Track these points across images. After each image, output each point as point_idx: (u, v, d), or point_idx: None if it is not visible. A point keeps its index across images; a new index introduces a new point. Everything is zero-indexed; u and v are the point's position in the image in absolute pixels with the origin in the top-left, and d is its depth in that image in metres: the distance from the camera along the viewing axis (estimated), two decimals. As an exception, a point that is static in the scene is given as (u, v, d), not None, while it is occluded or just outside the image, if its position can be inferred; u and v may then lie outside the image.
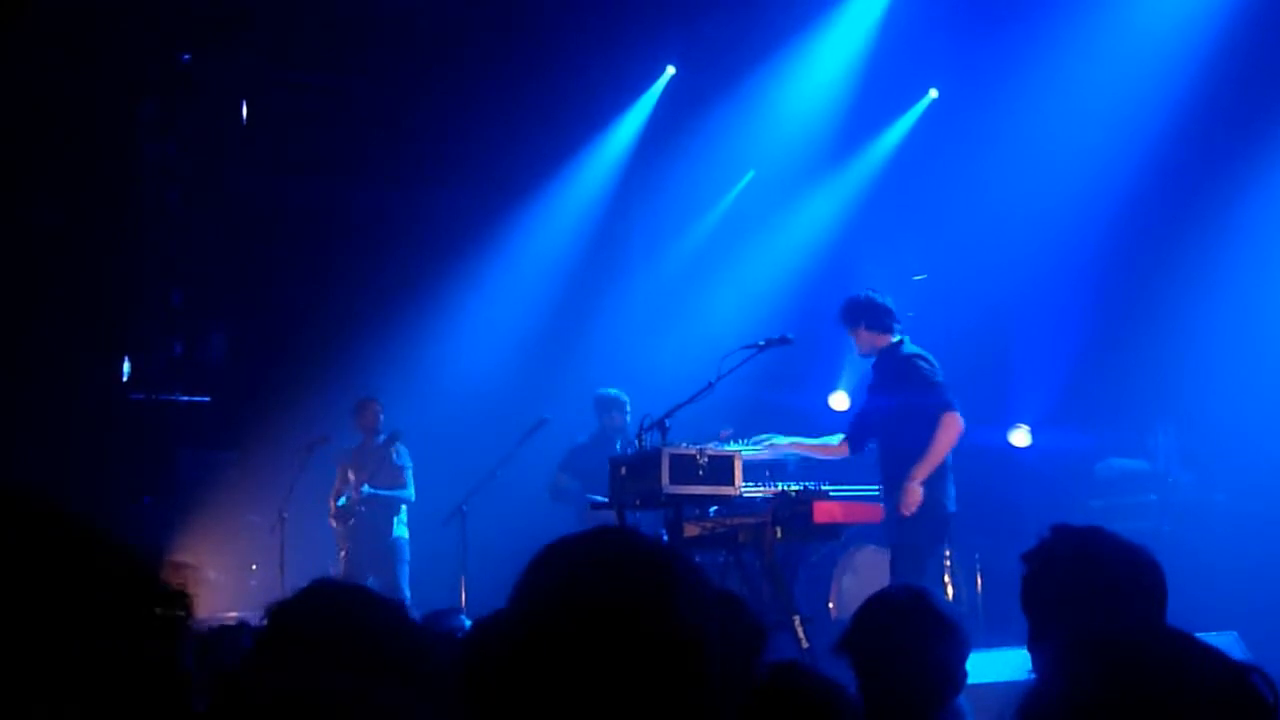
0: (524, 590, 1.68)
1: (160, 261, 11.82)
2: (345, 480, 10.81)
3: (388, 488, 10.69)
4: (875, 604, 3.43)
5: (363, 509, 10.61)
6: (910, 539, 7.36)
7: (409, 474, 10.76)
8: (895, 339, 7.72)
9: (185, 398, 11.96)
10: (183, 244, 11.86)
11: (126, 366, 11.59)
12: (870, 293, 7.84)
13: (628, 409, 10.43)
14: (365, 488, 10.62)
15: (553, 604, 1.62)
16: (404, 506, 10.79)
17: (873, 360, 7.80)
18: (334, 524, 10.79)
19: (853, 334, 7.78)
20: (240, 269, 12.26)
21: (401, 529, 10.74)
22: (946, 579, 9.21)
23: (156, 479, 11.57)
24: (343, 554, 10.72)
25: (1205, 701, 1.47)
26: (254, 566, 11.25)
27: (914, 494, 7.27)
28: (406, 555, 10.70)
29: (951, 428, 7.42)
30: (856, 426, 7.91)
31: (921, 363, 7.56)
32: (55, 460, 10.73)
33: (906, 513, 7.29)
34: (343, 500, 10.70)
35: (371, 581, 10.20)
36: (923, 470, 7.32)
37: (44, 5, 10.09)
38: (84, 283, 11.12)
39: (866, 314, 7.72)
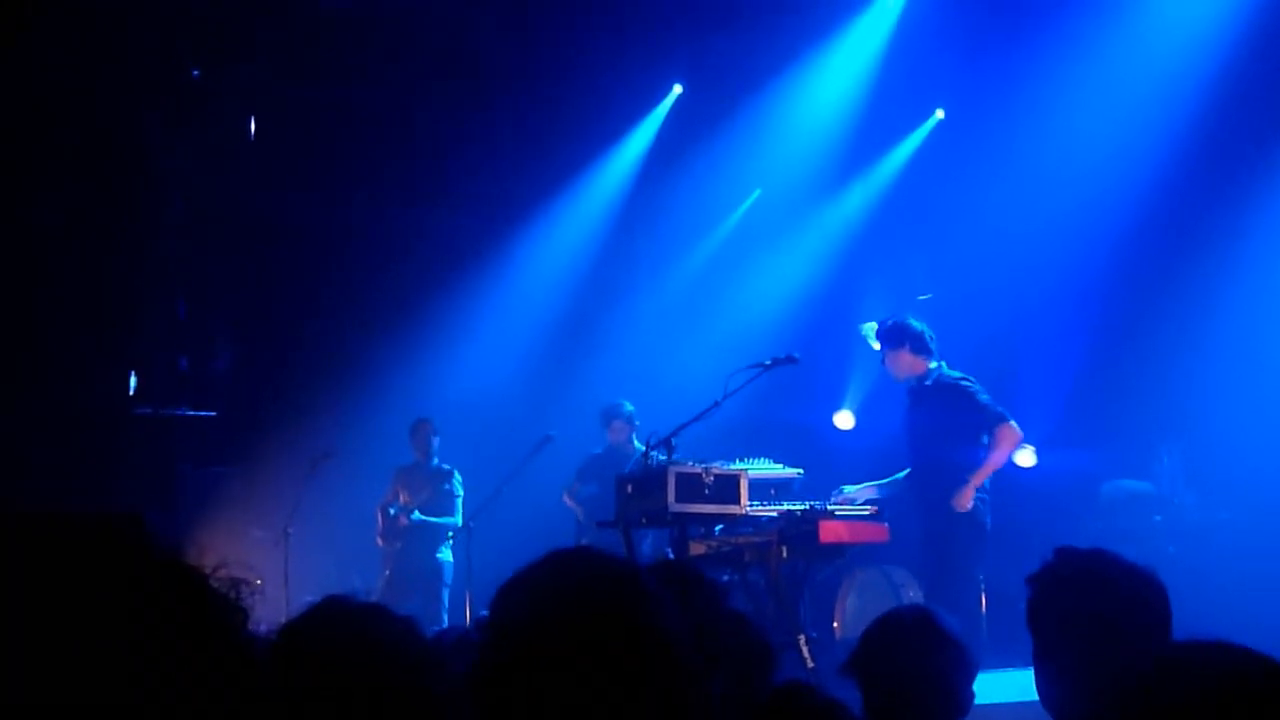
0: (490, 623, 1.73)
1: (166, 276, 11.85)
2: (395, 496, 10.90)
3: (437, 513, 10.74)
4: (882, 624, 3.43)
5: (405, 537, 10.65)
6: (948, 554, 7.48)
7: (459, 502, 10.82)
8: (933, 364, 7.92)
9: (190, 412, 11.97)
10: (189, 259, 11.89)
11: (133, 381, 11.60)
12: (912, 318, 8.07)
13: (634, 420, 10.50)
14: (415, 514, 10.65)
15: (514, 636, 1.67)
16: (450, 532, 10.83)
17: (909, 384, 7.97)
18: (380, 543, 10.82)
19: (893, 355, 7.95)
20: (246, 284, 12.29)
21: (446, 553, 10.80)
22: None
23: (160, 493, 11.57)
24: (387, 573, 10.75)
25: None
26: (259, 582, 11.22)
27: (969, 495, 7.53)
28: (449, 579, 10.76)
29: (1010, 437, 7.73)
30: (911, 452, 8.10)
31: (968, 384, 7.80)
32: (60, 474, 10.74)
33: (960, 508, 7.51)
34: (393, 510, 10.75)
35: (414, 603, 10.26)
36: (981, 475, 7.58)
37: (53, 17, 10.13)
38: (90, 296, 11.14)
39: (912, 338, 7.91)
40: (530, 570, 1.78)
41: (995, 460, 7.70)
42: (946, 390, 7.81)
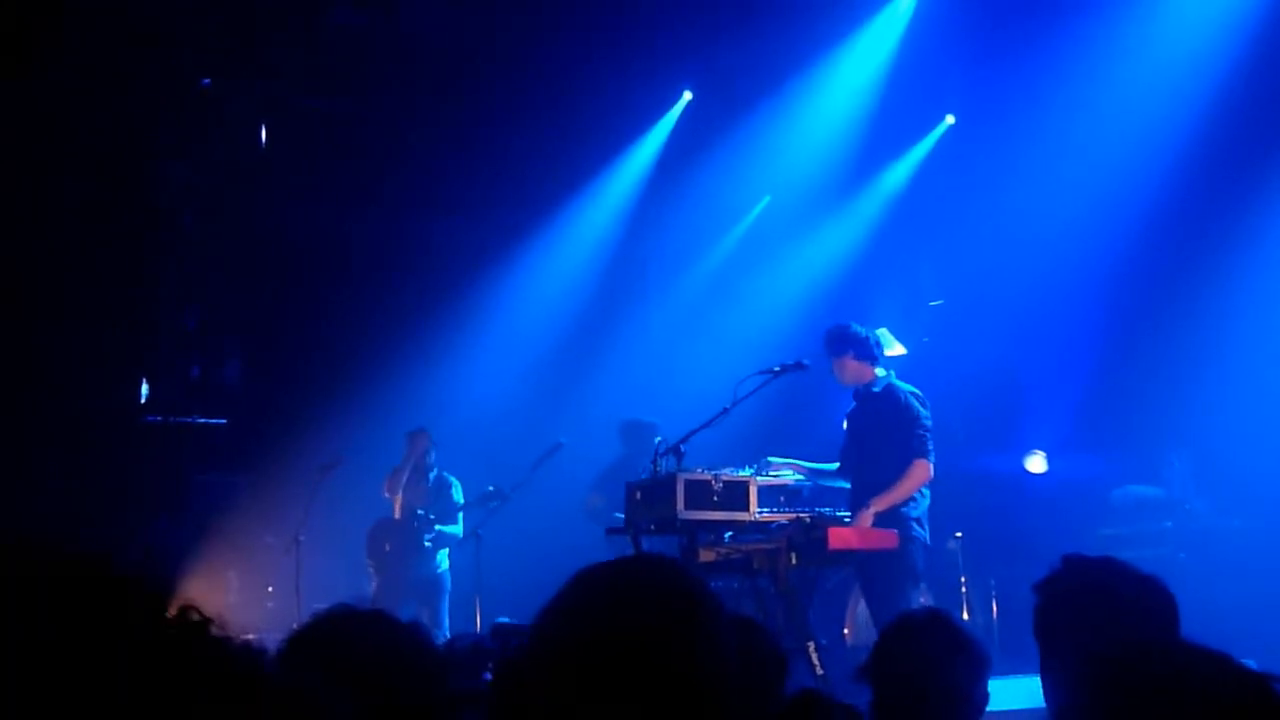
0: (551, 616, 1.69)
1: (177, 285, 11.89)
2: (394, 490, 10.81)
3: (441, 522, 10.71)
4: (895, 628, 3.43)
5: (429, 544, 10.63)
6: (884, 573, 7.31)
7: (460, 513, 10.75)
8: (880, 371, 7.76)
9: (201, 420, 12.01)
10: (199, 267, 11.93)
11: (144, 389, 11.64)
12: (855, 324, 7.86)
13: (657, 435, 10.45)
14: (437, 527, 10.63)
15: (578, 633, 1.64)
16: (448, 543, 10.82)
17: (856, 390, 7.78)
18: (386, 546, 10.72)
19: (838, 362, 7.73)
20: (256, 293, 12.32)
21: (446, 561, 10.77)
22: (964, 605, 9.19)
23: (172, 501, 11.61)
24: (375, 583, 10.72)
25: (1225, 709, 1.48)
26: (270, 589, 11.28)
27: (865, 520, 7.24)
28: (449, 585, 10.72)
29: (920, 475, 7.45)
30: (850, 457, 7.87)
31: (916, 403, 7.57)
32: (72, 482, 10.78)
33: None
34: (422, 510, 10.63)
35: (408, 611, 10.23)
36: (881, 503, 7.32)
37: (63, 31, 10.18)
38: (102, 306, 11.18)
39: (855, 344, 7.72)
40: (585, 579, 1.75)
41: (899, 493, 7.39)
42: (895, 402, 7.59)
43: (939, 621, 3.34)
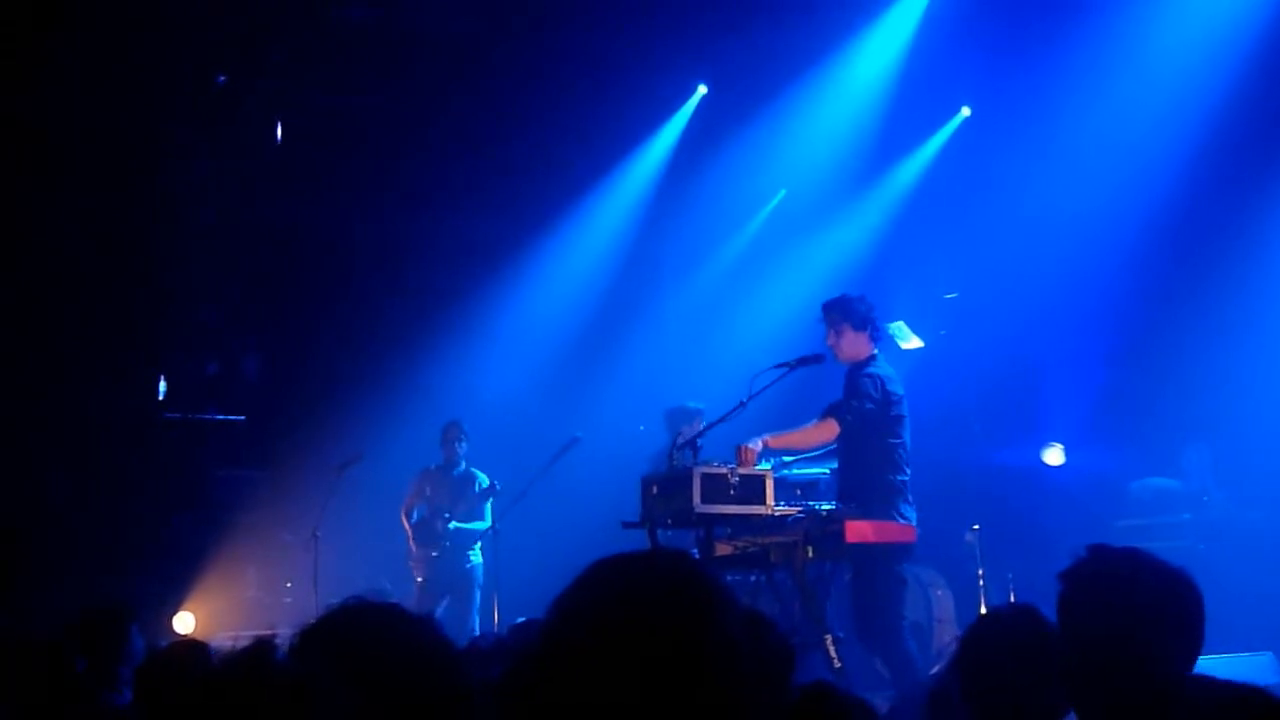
0: (562, 610, 1.69)
1: (195, 282, 11.92)
2: (419, 496, 10.84)
3: (467, 519, 10.71)
4: (986, 625, 3.38)
5: (448, 544, 10.64)
6: (864, 563, 7.27)
7: (488, 506, 10.73)
8: (873, 352, 7.64)
9: (219, 416, 12.05)
10: (217, 264, 11.95)
11: (162, 386, 11.67)
12: (853, 295, 7.72)
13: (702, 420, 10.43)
14: (452, 524, 10.65)
15: (589, 627, 1.63)
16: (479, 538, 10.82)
17: (847, 369, 7.64)
18: (414, 549, 10.77)
19: (836, 335, 7.61)
20: (274, 289, 12.35)
21: (478, 556, 10.77)
22: (982, 598, 9.16)
23: (190, 497, 11.65)
24: (419, 579, 10.74)
25: None
26: (288, 584, 11.31)
27: (745, 453, 7.10)
28: (481, 580, 10.73)
29: (822, 434, 7.42)
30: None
31: (869, 382, 7.42)
32: (91, 479, 10.82)
33: (740, 462, 7.10)
34: (447, 514, 10.68)
35: (446, 606, 10.26)
36: (775, 438, 7.28)
37: (78, 28, 10.20)
38: (119, 303, 11.22)
39: (854, 315, 7.59)
40: (597, 573, 1.73)
41: (794, 438, 7.43)
42: (860, 379, 7.45)
43: (1034, 620, 3.29)
